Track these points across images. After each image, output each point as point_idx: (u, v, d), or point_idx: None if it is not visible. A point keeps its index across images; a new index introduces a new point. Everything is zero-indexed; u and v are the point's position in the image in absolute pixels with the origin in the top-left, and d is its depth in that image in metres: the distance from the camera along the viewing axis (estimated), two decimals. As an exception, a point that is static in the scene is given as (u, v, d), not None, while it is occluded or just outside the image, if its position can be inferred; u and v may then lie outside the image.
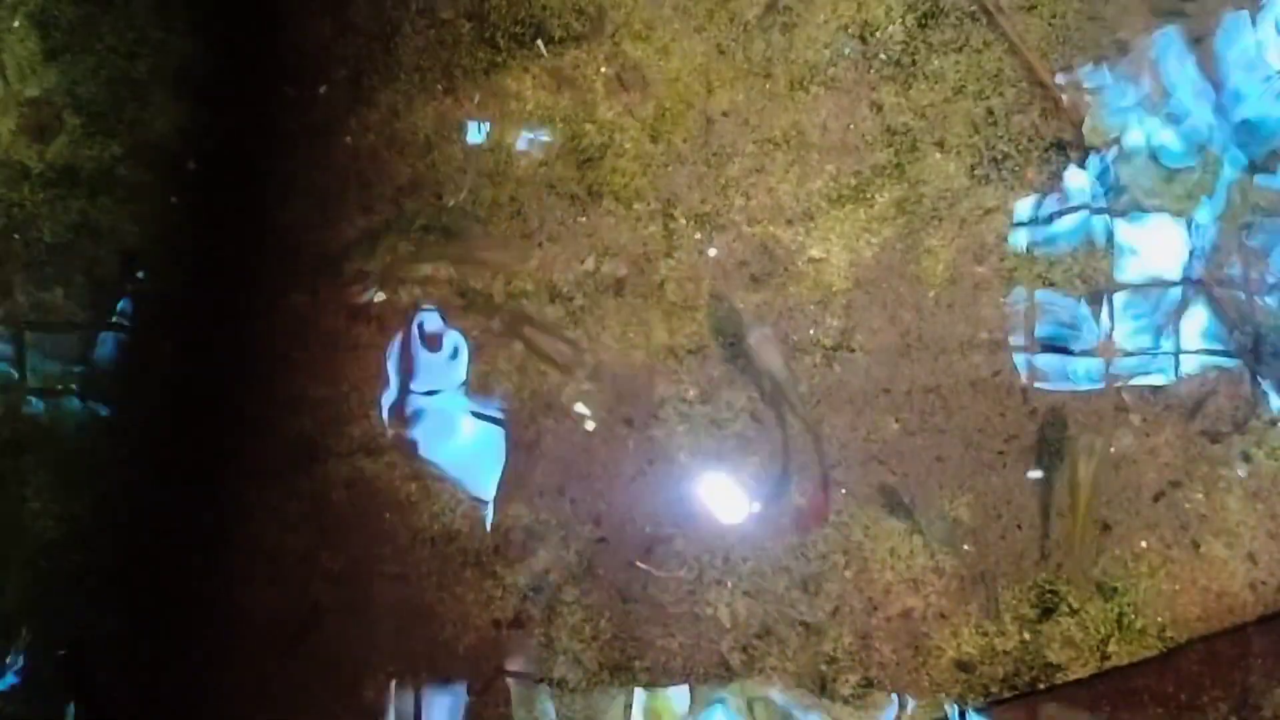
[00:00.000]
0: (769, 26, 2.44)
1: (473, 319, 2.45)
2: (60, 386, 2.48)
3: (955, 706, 2.27)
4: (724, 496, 2.35)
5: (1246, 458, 2.27)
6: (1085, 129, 2.36)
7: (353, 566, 2.42)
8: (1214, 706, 2.19)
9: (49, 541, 2.44)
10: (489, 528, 2.39)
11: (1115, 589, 2.26)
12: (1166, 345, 2.31)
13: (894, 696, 2.29)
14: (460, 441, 2.43)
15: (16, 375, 2.48)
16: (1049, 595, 2.27)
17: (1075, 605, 2.26)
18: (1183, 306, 2.31)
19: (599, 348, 2.41)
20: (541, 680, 2.35)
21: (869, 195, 2.39)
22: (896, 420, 2.34)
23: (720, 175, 2.43)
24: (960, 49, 2.40)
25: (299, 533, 2.44)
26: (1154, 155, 2.35)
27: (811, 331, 2.37)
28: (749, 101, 2.44)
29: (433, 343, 2.45)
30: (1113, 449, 2.29)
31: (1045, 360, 2.32)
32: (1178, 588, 2.25)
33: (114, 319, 2.50)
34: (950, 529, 2.28)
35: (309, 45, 2.57)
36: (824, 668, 2.30)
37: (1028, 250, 2.35)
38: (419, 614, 2.39)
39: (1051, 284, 2.34)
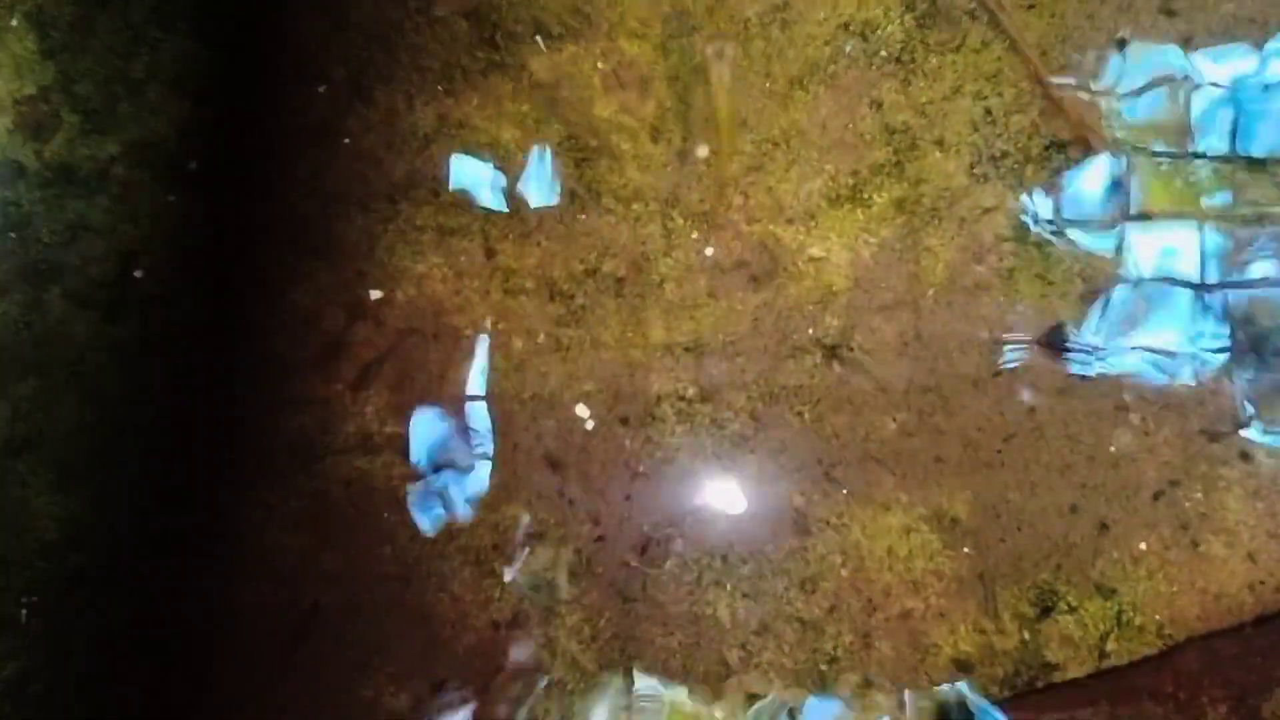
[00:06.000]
0: (768, 24, 2.44)
1: (468, 317, 2.45)
2: (58, 387, 2.47)
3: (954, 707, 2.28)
4: (723, 496, 2.35)
5: (1246, 457, 2.26)
6: (1084, 128, 2.35)
7: (352, 566, 2.42)
8: (1213, 706, 2.19)
9: (48, 542, 2.44)
10: (488, 526, 2.40)
11: (1114, 588, 2.26)
12: (1166, 344, 2.30)
13: (893, 695, 2.29)
14: (459, 440, 2.43)
15: (16, 374, 2.48)
16: (1048, 595, 2.27)
17: (1074, 604, 2.26)
18: (1182, 305, 2.30)
19: (598, 347, 2.41)
20: (541, 679, 2.35)
21: (868, 194, 2.38)
22: (895, 420, 2.34)
23: (719, 174, 2.42)
24: (959, 48, 2.39)
25: (298, 532, 2.44)
26: (1153, 154, 2.34)
27: (811, 331, 2.37)
28: (748, 100, 2.43)
29: (434, 340, 2.45)
30: (1112, 448, 2.29)
31: (1044, 359, 2.32)
32: (1177, 587, 2.25)
33: (111, 318, 2.50)
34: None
35: (308, 44, 2.56)
36: (824, 667, 2.30)
37: (1027, 249, 2.35)
38: (418, 614, 2.39)
39: (1051, 283, 2.34)
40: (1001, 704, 2.27)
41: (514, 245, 2.45)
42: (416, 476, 2.43)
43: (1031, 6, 2.38)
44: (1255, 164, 2.32)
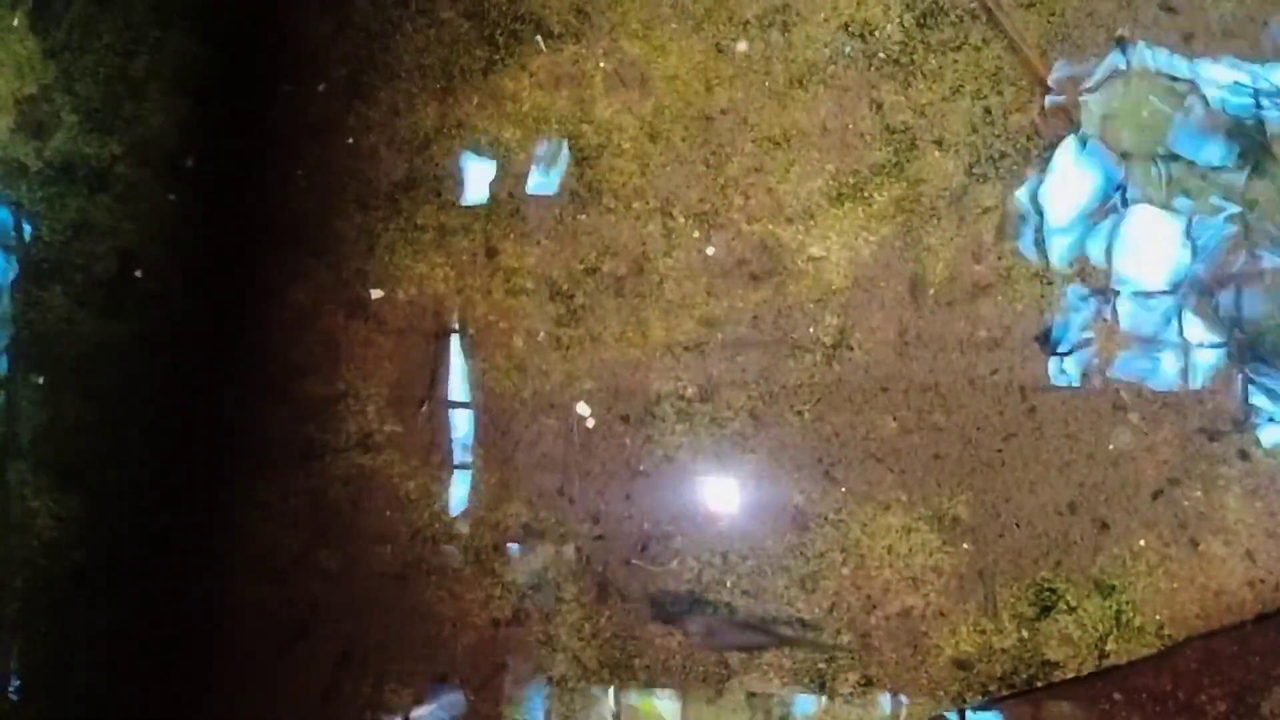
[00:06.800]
0: (768, 25, 2.44)
1: (469, 316, 2.45)
2: (58, 385, 2.48)
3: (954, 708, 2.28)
4: (723, 494, 2.36)
5: (1245, 456, 2.27)
6: (1084, 127, 2.36)
7: (351, 564, 2.42)
8: (1212, 704, 2.19)
9: (48, 541, 2.44)
10: (488, 525, 2.40)
11: (1114, 587, 2.26)
12: (1165, 343, 2.31)
13: (893, 694, 2.29)
14: (458, 439, 2.43)
15: (15, 374, 2.48)
16: (1047, 593, 2.27)
17: (1073, 603, 2.26)
18: (1182, 305, 2.31)
19: (599, 346, 2.42)
20: (541, 678, 2.35)
21: (868, 194, 2.39)
22: (895, 419, 2.34)
23: (719, 174, 2.43)
24: (959, 47, 2.40)
25: (297, 530, 2.44)
26: (1152, 154, 2.35)
27: (811, 330, 2.37)
28: (748, 100, 2.43)
29: (434, 339, 2.45)
30: (1111, 446, 2.29)
31: (1043, 358, 2.32)
32: (1176, 586, 2.25)
33: (112, 317, 2.50)
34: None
35: (309, 43, 2.56)
36: (823, 666, 2.30)
37: (1026, 249, 2.35)
38: (418, 612, 2.39)
39: (1049, 282, 2.34)
40: (1001, 703, 2.27)
41: (515, 244, 2.45)
42: (425, 475, 2.43)
43: (1031, 5, 2.39)
44: (1254, 163, 2.32)
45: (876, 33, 2.42)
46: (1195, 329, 2.30)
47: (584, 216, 2.45)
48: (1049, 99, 2.37)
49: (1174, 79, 2.36)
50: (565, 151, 2.46)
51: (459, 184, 2.49)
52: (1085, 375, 2.32)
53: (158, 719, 2.43)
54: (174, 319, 2.52)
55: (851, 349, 2.36)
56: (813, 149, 2.41)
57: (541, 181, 2.46)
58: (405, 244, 2.48)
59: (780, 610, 2.32)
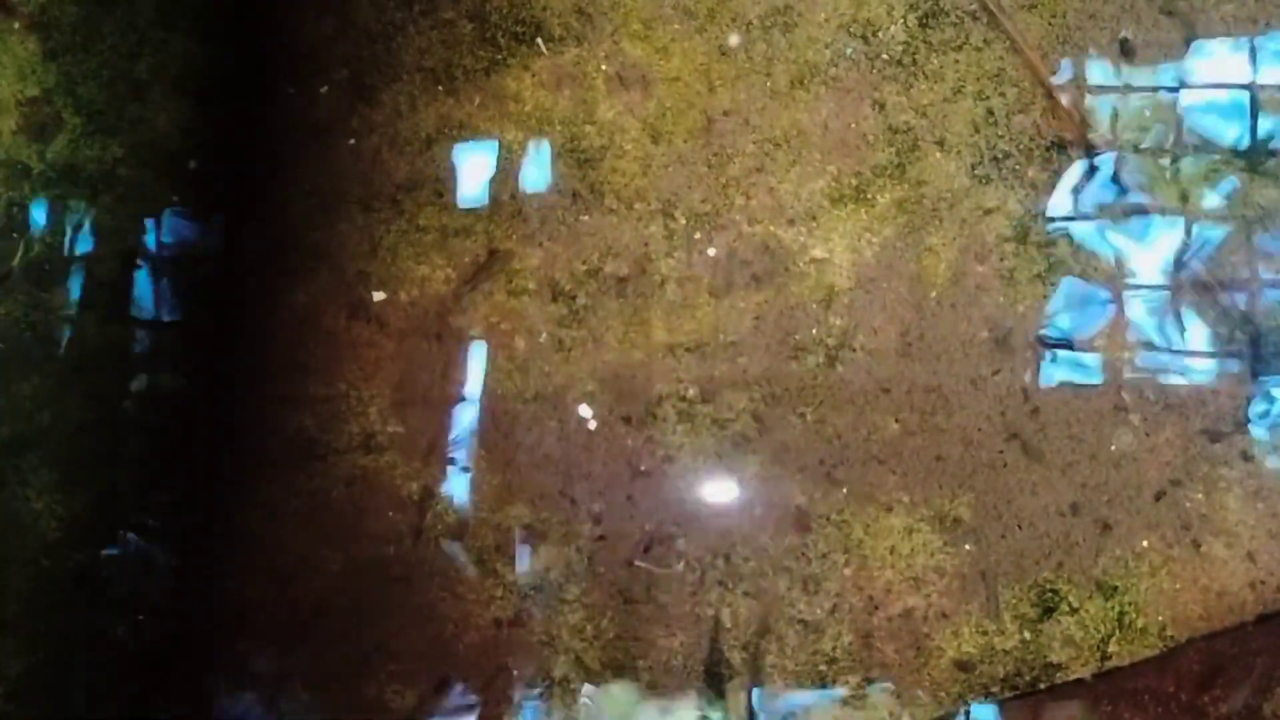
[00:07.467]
0: (770, 26, 2.45)
1: (471, 317, 2.45)
2: (61, 386, 2.48)
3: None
4: (725, 496, 2.36)
5: (1247, 457, 2.27)
6: (1085, 128, 2.36)
7: (353, 565, 2.42)
8: (1214, 705, 2.19)
9: (50, 541, 2.44)
10: (490, 526, 2.40)
11: (1116, 588, 2.26)
12: (1167, 344, 2.31)
13: (894, 696, 2.29)
14: (461, 440, 2.43)
15: (18, 374, 2.48)
16: (1049, 595, 2.27)
17: (1076, 604, 2.26)
18: (1183, 305, 2.31)
19: (600, 347, 2.42)
20: (543, 679, 2.35)
21: (870, 195, 2.39)
22: (897, 419, 2.34)
23: (721, 175, 2.43)
24: (961, 48, 2.40)
25: (299, 531, 2.44)
26: (1154, 154, 2.35)
27: (813, 331, 2.37)
28: (750, 101, 2.44)
29: (434, 343, 2.45)
30: (1113, 447, 2.29)
31: (1046, 359, 2.33)
32: (1178, 587, 2.25)
33: (113, 318, 2.50)
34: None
35: (311, 45, 2.57)
36: (824, 667, 2.30)
37: (1028, 250, 2.35)
38: (420, 613, 2.39)
39: (1052, 283, 2.34)
40: (1003, 704, 2.27)
41: (517, 246, 2.46)
42: (427, 475, 2.43)
43: (1032, 7, 2.39)
44: (1255, 163, 2.32)
45: (879, 33, 2.42)
46: (1197, 330, 2.30)
47: (586, 218, 2.45)
48: (1051, 100, 2.37)
49: (1175, 80, 2.36)
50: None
51: (461, 185, 2.49)
52: (1087, 377, 2.32)
53: (158, 719, 2.43)
54: (174, 320, 2.52)
55: (854, 350, 2.36)
56: (814, 150, 2.41)
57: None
58: (407, 245, 2.49)
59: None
